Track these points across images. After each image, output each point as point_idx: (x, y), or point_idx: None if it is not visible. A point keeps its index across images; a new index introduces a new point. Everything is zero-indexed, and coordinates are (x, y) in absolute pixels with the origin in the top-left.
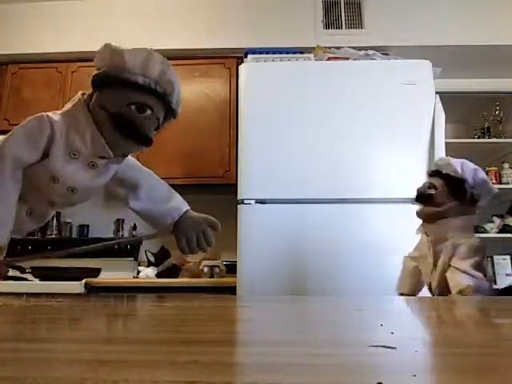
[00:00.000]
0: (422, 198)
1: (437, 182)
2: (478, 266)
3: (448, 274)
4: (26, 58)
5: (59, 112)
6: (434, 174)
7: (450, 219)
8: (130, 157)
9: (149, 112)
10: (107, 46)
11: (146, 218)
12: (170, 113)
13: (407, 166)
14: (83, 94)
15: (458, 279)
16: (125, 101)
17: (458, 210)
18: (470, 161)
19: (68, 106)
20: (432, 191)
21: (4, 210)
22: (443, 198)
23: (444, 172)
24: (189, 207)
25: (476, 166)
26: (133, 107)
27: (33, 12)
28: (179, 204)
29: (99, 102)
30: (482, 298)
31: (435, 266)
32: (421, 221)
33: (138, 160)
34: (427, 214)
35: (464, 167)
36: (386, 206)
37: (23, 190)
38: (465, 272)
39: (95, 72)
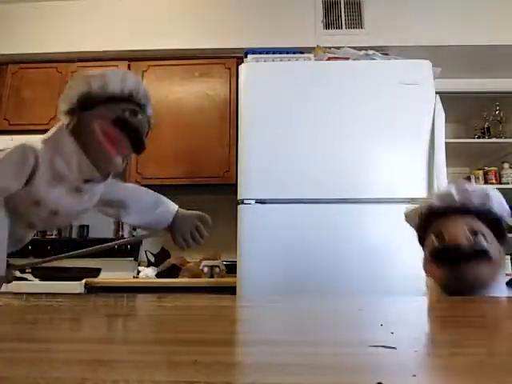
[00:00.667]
0: (474, 254)
1: (476, 224)
2: None
3: None
4: (26, 57)
5: (40, 139)
6: (454, 209)
7: (500, 280)
8: (110, 178)
9: (140, 116)
10: (80, 75)
11: (144, 227)
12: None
13: (407, 166)
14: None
15: None
16: (118, 110)
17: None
18: (471, 161)
19: (49, 133)
20: (485, 243)
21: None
22: (496, 250)
23: (479, 208)
24: (177, 206)
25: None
26: (126, 113)
27: (33, 12)
28: (169, 206)
29: (88, 120)
30: (483, 298)
31: None
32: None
33: (138, 161)
34: (482, 278)
35: (501, 201)
36: (386, 206)
37: None
38: None
39: (71, 99)
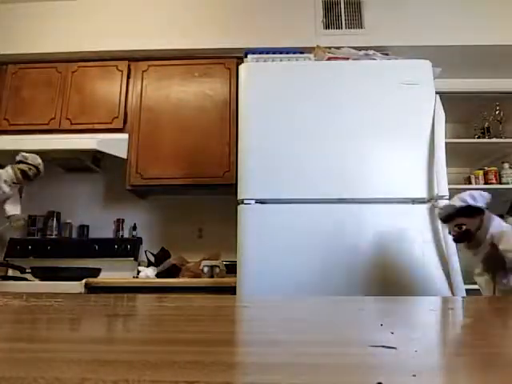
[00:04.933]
0: (461, 239)
1: (462, 221)
2: None
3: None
4: (26, 57)
5: None
6: (453, 216)
7: (481, 230)
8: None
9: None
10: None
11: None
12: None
13: (407, 166)
14: None
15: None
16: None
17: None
18: (471, 161)
19: None
20: (463, 229)
21: None
22: (473, 226)
23: (458, 207)
24: (16, 212)
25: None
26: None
27: (33, 12)
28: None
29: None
30: (483, 298)
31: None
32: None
33: (138, 161)
34: (469, 226)
35: (475, 196)
36: (386, 206)
37: None
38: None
39: None
